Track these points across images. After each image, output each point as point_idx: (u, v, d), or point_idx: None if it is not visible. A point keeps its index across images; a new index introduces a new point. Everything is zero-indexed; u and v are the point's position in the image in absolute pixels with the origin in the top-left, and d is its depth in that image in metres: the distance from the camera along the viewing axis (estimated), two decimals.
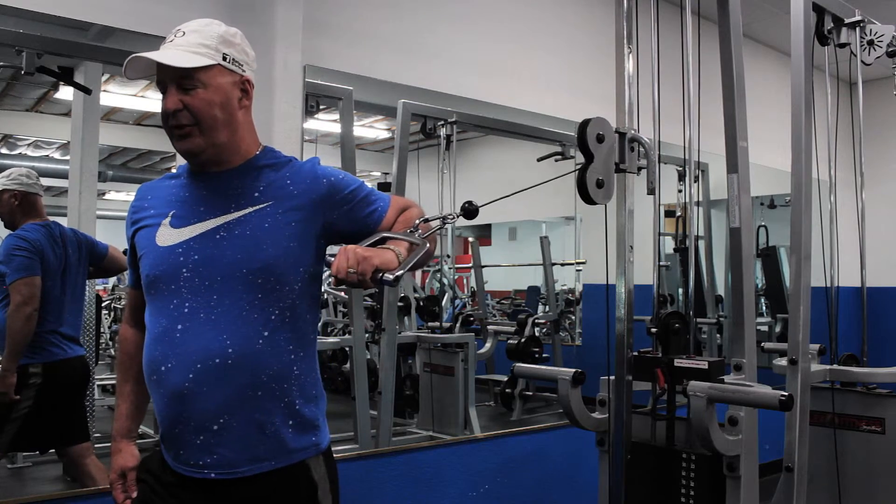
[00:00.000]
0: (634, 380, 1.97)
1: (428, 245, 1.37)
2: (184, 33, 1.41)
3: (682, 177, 3.87)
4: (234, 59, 1.43)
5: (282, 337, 1.38)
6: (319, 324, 6.86)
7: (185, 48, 1.38)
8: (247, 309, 1.36)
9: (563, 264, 6.30)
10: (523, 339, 5.36)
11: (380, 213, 1.49)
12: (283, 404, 1.38)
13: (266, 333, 1.36)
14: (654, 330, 2.03)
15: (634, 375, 1.96)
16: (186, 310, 1.37)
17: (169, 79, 1.39)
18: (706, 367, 1.89)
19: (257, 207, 1.42)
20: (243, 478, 1.36)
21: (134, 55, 1.38)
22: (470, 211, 1.45)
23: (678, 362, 1.95)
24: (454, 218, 1.45)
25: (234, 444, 1.35)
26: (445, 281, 6.50)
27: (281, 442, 1.37)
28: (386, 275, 1.26)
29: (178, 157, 1.51)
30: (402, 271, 1.28)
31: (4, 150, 8.04)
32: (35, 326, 2.77)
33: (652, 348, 2.05)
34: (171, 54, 1.37)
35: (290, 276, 1.40)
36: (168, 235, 1.43)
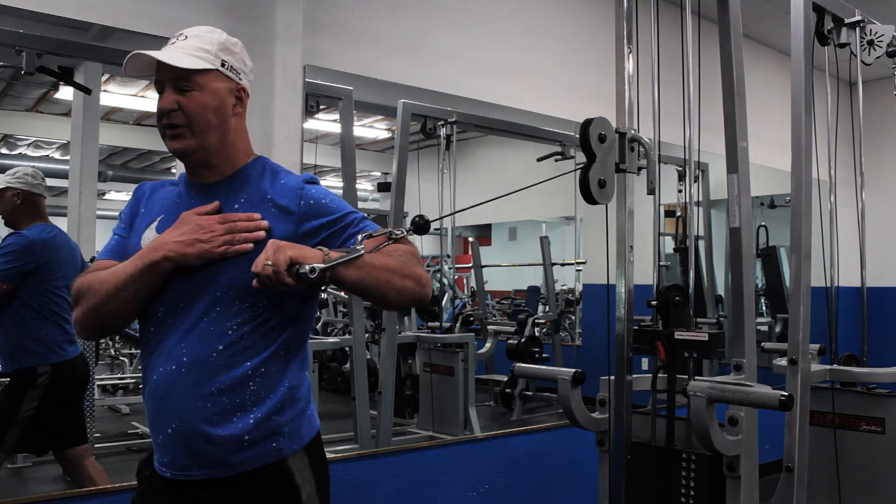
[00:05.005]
0: (634, 353, 1.96)
1: (362, 251, 1.30)
2: (186, 37, 1.43)
3: (682, 177, 3.87)
4: (232, 67, 1.44)
5: (238, 352, 1.37)
6: (319, 324, 6.82)
7: (185, 51, 1.40)
8: (205, 321, 1.37)
9: (563, 264, 6.30)
10: (523, 339, 5.37)
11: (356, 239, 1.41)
12: (236, 418, 1.36)
13: (220, 347, 1.36)
14: (654, 303, 2.03)
15: (635, 349, 1.96)
16: (160, 314, 1.41)
17: (167, 79, 1.40)
18: (706, 338, 1.90)
19: None
20: (197, 481, 1.38)
21: (136, 51, 1.39)
22: (420, 226, 1.40)
23: (678, 335, 1.95)
24: (402, 233, 1.39)
25: (184, 449, 1.37)
26: (445, 281, 6.50)
27: (231, 452, 1.36)
28: (303, 267, 1.22)
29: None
30: (323, 266, 1.23)
31: (4, 150, 8.05)
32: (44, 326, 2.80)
33: (652, 321, 2.05)
34: (173, 54, 1.39)
35: (254, 293, 1.36)
36: (151, 239, 1.43)
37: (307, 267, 1.22)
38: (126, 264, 1.39)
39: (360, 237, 1.35)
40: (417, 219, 1.41)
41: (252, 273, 1.26)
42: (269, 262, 1.23)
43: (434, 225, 1.46)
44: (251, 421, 1.37)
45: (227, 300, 1.37)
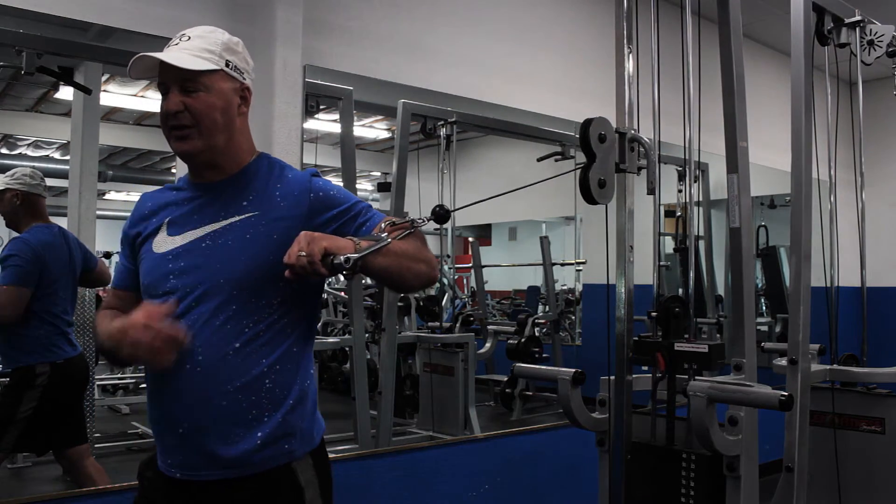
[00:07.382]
0: (634, 363, 1.96)
1: (390, 240, 1.32)
2: (189, 38, 1.43)
3: (682, 177, 3.87)
4: (236, 67, 1.45)
5: (254, 350, 1.37)
6: (319, 324, 6.83)
7: (190, 52, 1.40)
8: (221, 319, 1.37)
9: (563, 264, 6.30)
10: (523, 339, 5.37)
11: (368, 227, 1.43)
12: (251, 416, 1.36)
13: (237, 345, 1.36)
14: (654, 314, 2.03)
15: (634, 359, 1.96)
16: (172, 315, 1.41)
17: (172, 80, 1.40)
18: (706, 350, 1.90)
19: (243, 217, 1.42)
20: (205, 482, 1.38)
21: (141, 54, 1.39)
22: (441, 215, 1.43)
23: (678, 346, 1.95)
24: (423, 221, 1.42)
25: (196, 448, 1.37)
26: (445, 281, 6.50)
27: (245, 452, 1.36)
28: (338, 257, 1.24)
29: (179, 158, 1.51)
30: (357, 255, 1.26)
31: (4, 150, 8.04)
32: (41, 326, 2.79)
33: (651, 332, 2.05)
34: (179, 56, 1.39)
35: (269, 289, 1.38)
36: (163, 242, 1.45)
37: (342, 257, 1.24)
38: (111, 327, 1.36)
39: (383, 224, 1.38)
40: (438, 208, 1.44)
41: (284, 264, 1.25)
42: (304, 253, 1.23)
43: (433, 225, 1.48)
44: (266, 420, 1.37)
45: (244, 298, 1.38)
